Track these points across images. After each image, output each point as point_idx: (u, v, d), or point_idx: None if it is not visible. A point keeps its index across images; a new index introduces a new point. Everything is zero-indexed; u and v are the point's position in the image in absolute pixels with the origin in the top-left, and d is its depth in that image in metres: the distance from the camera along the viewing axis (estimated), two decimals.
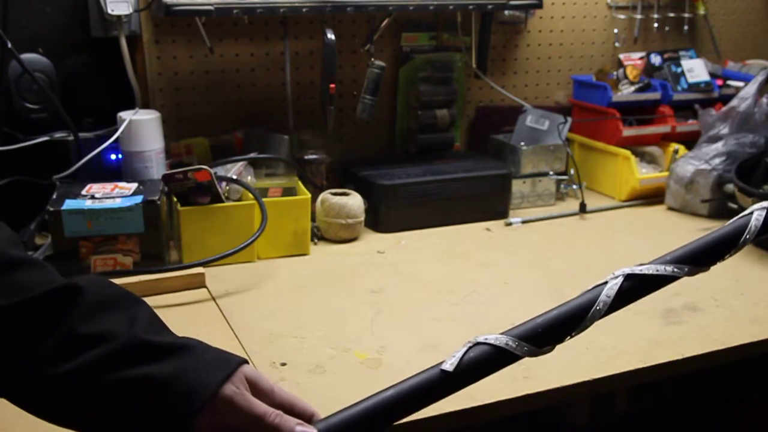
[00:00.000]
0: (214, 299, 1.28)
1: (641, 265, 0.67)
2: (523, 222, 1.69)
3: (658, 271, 0.66)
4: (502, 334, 0.66)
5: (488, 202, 1.70)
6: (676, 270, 0.67)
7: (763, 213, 0.68)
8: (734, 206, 1.61)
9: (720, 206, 1.69)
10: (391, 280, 1.38)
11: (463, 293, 1.33)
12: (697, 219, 1.71)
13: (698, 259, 0.69)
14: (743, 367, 1.35)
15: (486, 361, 0.66)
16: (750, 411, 1.73)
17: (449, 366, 0.64)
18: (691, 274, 0.67)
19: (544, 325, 0.66)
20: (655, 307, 1.28)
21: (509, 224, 1.68)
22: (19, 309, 0.60)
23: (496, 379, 1.05)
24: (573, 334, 0.66)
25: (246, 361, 0.67)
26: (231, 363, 0.65)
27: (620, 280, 0.67)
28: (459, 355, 0.65)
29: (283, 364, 1.07)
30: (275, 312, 1.24)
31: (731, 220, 0.70)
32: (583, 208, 1.74)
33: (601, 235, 1.64)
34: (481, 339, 0.66)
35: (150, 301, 1.24)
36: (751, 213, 0.69)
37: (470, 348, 0.66)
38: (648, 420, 1.75)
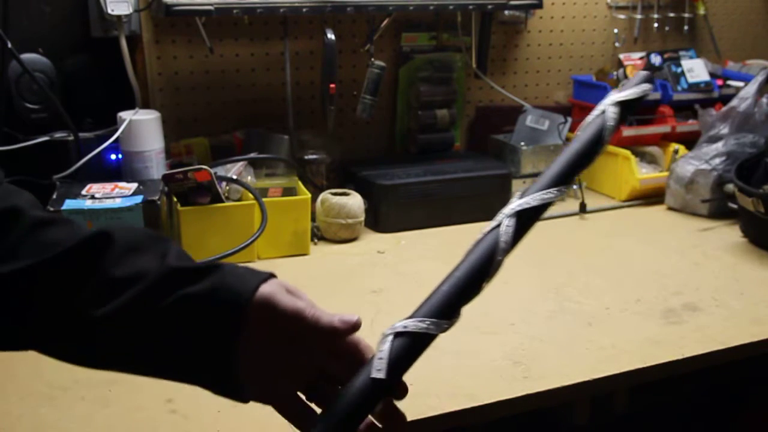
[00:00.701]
0: None
1: (522, 197, 0.67)
2: None
3: (541, 200, 0.66)
4: (419, 318, 0.64)
5: (488, 202, 1.70)
6: (555, 193, 0.67)
7: (616, 109, 0.68)
8: (734, 206, 1.61)
9: (720, 206, 1.69)
10: (391, 280, 1.37)
11: None
12: (697, 219, 1.71)
13: (570, 175, 0.69)
14: (743, 367, 1.35)
15: (411, 351, 0.64)
16: (750, 411, 1.73)
17: (382, 374, 0.62)
18: (568, 189, 0.68)
19: (456, 293, 0.66)
20: (655, 307, 1.28)
21: None
22: (54, 263, 0.61)
23: (496, 379, 1.06)
24: (484, 285, 0.67)
25: (275, 275, 0.68)
26: (263, 272, 0.66)
27: (513, 221, 0.66)
28: (385, 357, 0.63)
29: None
30: None
31: (585, 125, 0.70)
32: (583, 208, 1.74)
33: (601, 235, 1.64)
34: (399, 329, 0.64)
35: None
36: (603, 111, 0.69)
37: (392, 344, 0.64)
38: (648, 420, 1.75)
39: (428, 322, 0.64)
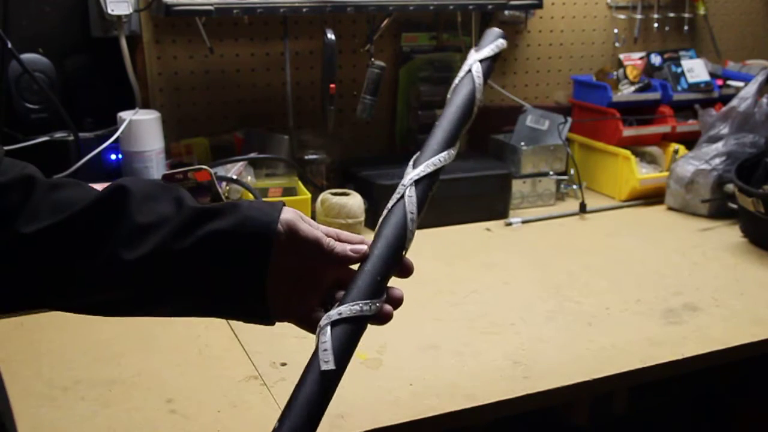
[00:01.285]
0: None
1: (417, 167, 0.71)
2: (523, 222, 1.69)
3: (435, 165, 0.71)
4: (351, 303, 0.66)
5: (488, 202, 1.70)
6: (446, 156, 0.71)
7: (479, 66, 0.73)
8: (734, 206, 1.61)
9: (720, 206, 1.69)
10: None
11: (463, 293, 1.33)
12: (697, 219, 1.71)
13: (455, 136, 0.73)
14: (743, 367, 1.35)
15: (352, 336, 0.66)
16: (750, 411, 1.73)
17: (331, 365, 0.63)
18: (456, 150, 0.72)
19: (379, 271, 0.68)
20: (655, 307, 1.28)
21: (509, 224, 1.68)
22: (76, 219, 0.64)
23: (496, 379, 1.06)
24: (403, 256, 0.70)
25: (285, 203, 0.72)
26: (277, 202, 0.70)
27: (413, 190, 0.70)
28: (329, 348, 0.64)
29: (283, 364, 1.08)
30: None
31: (455, 87, 0.74)
32: (583, 208, 1.74)
33: (601, 235, 1.64)
34: (335, 317, 0.66)
35: None
36: (470, 70, 0.73)
37: (332, 333, 0.65)
38: (648, 420, 1.75)
39: (361, 305, 0.66)
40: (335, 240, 0.71)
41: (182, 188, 0.71)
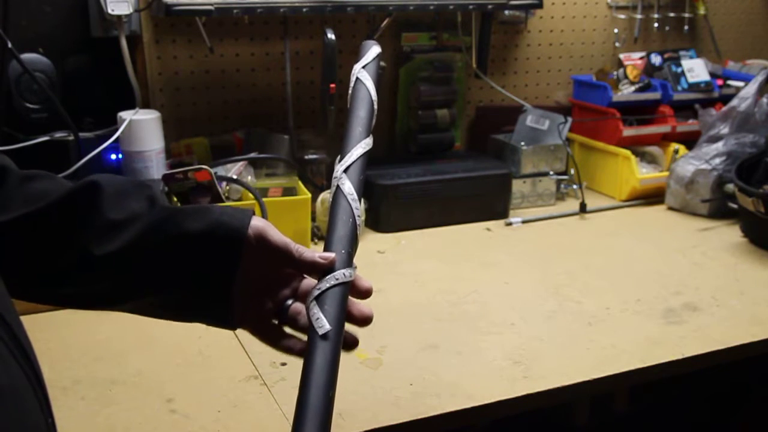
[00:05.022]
0: None
1: (342, 160, 0.77)
2: (523, 222, 1.69)
3: (358, 153, 0.77)
4: (327, 278, 0.69)
5: (488, 202, 1.70)
6: (365, 144, 0.78)
7: (364, 71, 0.83)
8: (734, 206, 1.61)
9: (720, 206, 1.69)
10: (391, 280, 1.38)
11: (463, 293, 1.33)
12: (697, 219, 1.71)
13: (367, 131, 0.79)
14: (743, 367, 1.35)
15: (338, 300, 0.68)
16: (750, 411, 1.73)
17: (326, 327, 0.66)
18: (371, 141, 0.79)
19: (344, 246, 0.72)
20: (655, 307, 1.28)
21: (509, 224, 1.68)
22: (47, 210, 0.65)
23: (496, 379, 1.06)
24: (358, 230, 0.74)
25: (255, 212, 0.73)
26: (249, 210, 0.71)
27: (344, 178, 0.75)
28: (320, 315, 0.66)
29: (283, 364, 1.08)
30: None
31: (353, 94, 0.82)
32: (583, 208, 1.74)
33: (601, 235, 1.64)
34: (317, 293, 0.68)
35: None
36: (358, 78, 0.82)
37: (321, 304, 0.67)
38: (648, 420, 1.75)
39: (336, 274, 0.69)
40: (303, 246, 0.72)
41: (155, 187, 0.72)
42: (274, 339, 0.74)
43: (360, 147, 0.77)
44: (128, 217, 0.67)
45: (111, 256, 0.65)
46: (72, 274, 0.66)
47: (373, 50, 0.86)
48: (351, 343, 0.72)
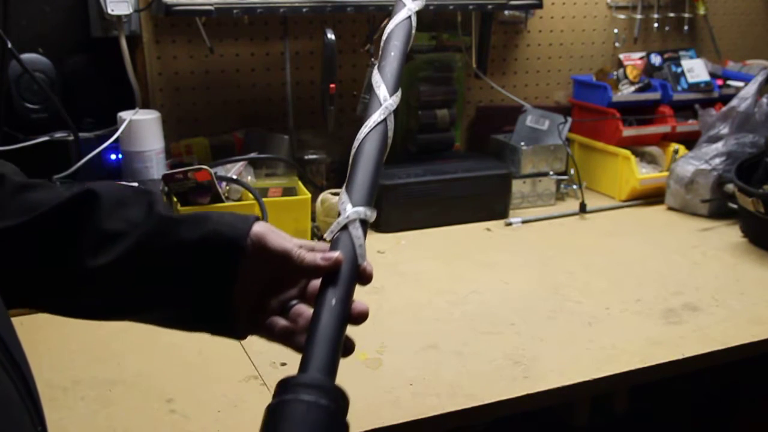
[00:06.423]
0: None
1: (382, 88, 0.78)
2: (523, 222, 1.69)
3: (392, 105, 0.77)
4: (353, 210, 0.67)
5: (488, 202, 1.70)
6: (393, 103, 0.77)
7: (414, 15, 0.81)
8: (734, 206, 1.61)
9: (720, 206, 1.69)
10: (391, 280, 1.38)
11: (463, 293, 1.33)
12: (697, 219, 1.71)
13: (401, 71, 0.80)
14: (743, 367, 1.35)
15: (362, 234, 0.67)
16: (750, 411, 1.73)
17: (361, 254, 0.66)
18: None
19: (371, 180, 0.70)
20: (655, 307, 1.28)
21: (509, 224, 1.68)
22: (41, 221, 0.64)
23: (496, 379, 1.06)
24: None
25: (260, 218, 0.71)
26: (249, 216, 0.69)
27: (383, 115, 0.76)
28: (350, 243, 0.66)
29: (283, 364, 1.08)
30: None
31: (391, 28, 0.82)
32: (583, 208, 1.74)
33: (601, 235, 1.64)
34: (344, 220, 0.67)
35: None
36: (410, 17, 0.82)
37: (349, 234, 0.67)
38: (648, 420, 1.75)
39: (359, 210, 0.67)
40: (307, 251, 0.69)
41: (155, 194, 0.70)
42: (287, 337, 0.72)
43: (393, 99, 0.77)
44: (124, 227, 0.65)
45: (105, 268, 0.64)
46: (67, 285, 0.65)
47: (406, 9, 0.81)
48: (348, 348, 0.69)
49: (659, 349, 1.13)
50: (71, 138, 1.48)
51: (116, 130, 1.46)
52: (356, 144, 0.72)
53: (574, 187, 1.79)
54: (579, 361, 1.10)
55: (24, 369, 0.53)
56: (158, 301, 0.67)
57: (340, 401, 0.57)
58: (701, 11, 2.13)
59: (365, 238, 0.68)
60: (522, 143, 1.78)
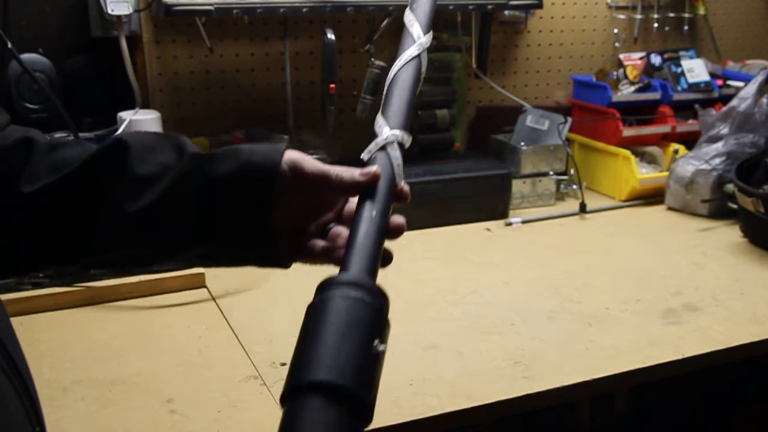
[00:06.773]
0: (214, 299, 1.28)
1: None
2: (523, 222, 1.69)
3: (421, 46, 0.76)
4: (392, 131, 0.69)
5: (488, 202, 1.70)
6: (426, 39, 0.78)
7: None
8: (734, 206, 1.61)
9: (720, 206, 1.69)
10: (391, 280, 1.37)
11: (463, 293, 1.33)
12: (697, 219, 1.71)
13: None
14: (743, 367, 1.35)
15: (400, 157, 0.69)
16: (750, 411, 1.73)
17: (399, 176, 0.69)
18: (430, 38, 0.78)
19: (406, 106, 0.71)
20: (655, 307, 1.28)
21: (509, 224, 1.68)
22: (74, 176, 0.65)
23: (496, 379, 1.06)
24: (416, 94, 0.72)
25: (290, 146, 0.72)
26: (281, 145, 0.69)
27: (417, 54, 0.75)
28: (387, 163, 0.68)
29: (283, 364, 1.08)
30: (275, 312, 1.24)
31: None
32: (583, 208, 1.74)
33: (600, 235, 1.64)
34: (381, 142, 0.69)
35: (150, 301, 1.24)
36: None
37: (389, 153, 0.69)
38: (648, 420, 1.75)
39: (397, 133, 0.69)
40: (341, 168, 0.70)
41: (181, 137, 0.71)
42: (327, 255, 0.72)
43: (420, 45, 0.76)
44: (157, 171, 0.66)
45: (143, 211, 0.64)
46: (109, 236, 0.66)
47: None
48: (387, 258, 0.71)
49: (659, 349, 1.13)
50: (71, 138, 1.48)
51: (116, 130, 1.46)
52: (391, 75, 0.72)
53: (574, 187, 1.79)
54: (579, 361, 1.10)
55: (22, 368, 0.53)
56: (201, 238, 0.67)
57: (383, 300, 0.57)
58: (701, 11, 2.13)
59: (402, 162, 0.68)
60: (522, 143, 1.78)
